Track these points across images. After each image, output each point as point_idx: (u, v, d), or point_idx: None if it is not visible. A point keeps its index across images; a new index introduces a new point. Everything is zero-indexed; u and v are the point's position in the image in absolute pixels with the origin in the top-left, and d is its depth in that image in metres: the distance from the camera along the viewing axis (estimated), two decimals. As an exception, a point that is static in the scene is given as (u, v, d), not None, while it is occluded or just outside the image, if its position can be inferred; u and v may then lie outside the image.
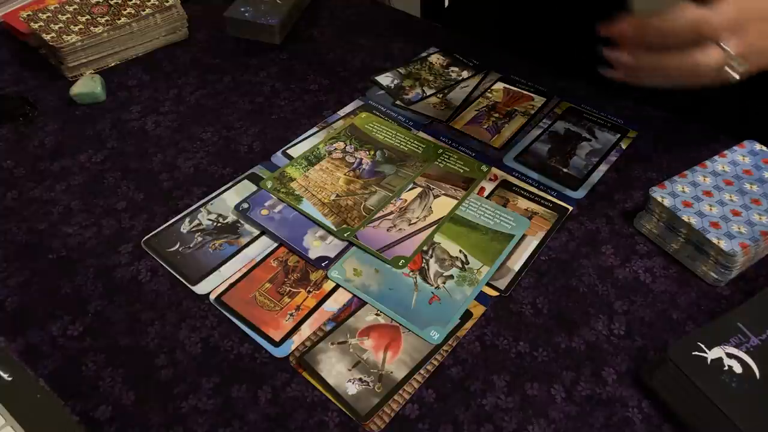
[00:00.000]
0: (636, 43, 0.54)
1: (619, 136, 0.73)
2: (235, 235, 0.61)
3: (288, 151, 0.71)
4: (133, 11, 0.82)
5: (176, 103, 0.78)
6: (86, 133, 0.73)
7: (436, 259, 0.59)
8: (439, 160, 0.69)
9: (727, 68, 0.52)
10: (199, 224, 0.63)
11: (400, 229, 0.61)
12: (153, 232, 0.62)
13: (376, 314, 0.55)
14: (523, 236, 0.61)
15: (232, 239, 0.61)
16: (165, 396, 0.49)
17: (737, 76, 0.53)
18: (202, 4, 0.93)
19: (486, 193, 0.66)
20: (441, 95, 0.79)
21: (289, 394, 0.50)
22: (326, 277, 0.58)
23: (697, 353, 0.47)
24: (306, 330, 0.54)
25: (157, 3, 0.84)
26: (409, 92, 0.79)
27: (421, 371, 0.51)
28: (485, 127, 0.74)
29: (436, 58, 0.85)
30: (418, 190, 0.66)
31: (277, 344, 0.53)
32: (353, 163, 0.69)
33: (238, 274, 0.58)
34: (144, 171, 0.69)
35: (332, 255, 0.59)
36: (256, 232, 0.62)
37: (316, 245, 0.60)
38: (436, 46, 0.87)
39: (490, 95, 0.79)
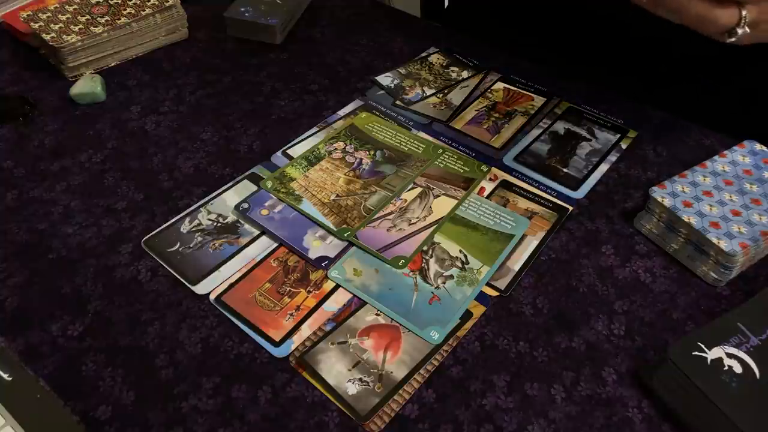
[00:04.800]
0: None
1: (619, 136, 0.73)
2: (235, 235, 0.61)
3: (288, 151, 0.71)
4: (133, 11, 0.82)
5: (176, 103, 0.78)
6: (86, 133, 0.73)
7: (436, 259, 0.59)
8: (439, 160, 0.69)
9: (735, 31, 0.54)
10: (199, 224, 0.63)
11: (400, 229, 0.61)
12: (153, 232, 0.62)
13: (376, 314, 0.55)
14: (523, 236, 0.61)
15: (232, 239, 0.61)
16: (165, 396, 0.49)
17: (736, 40, 0.54)
18: (202, 4, 0.93)
19: (486, 193, 0.66)
20: (441, 95, 0.79)
21: (289, 394, 0.50)
22: (326, 277, 0.58)
23: (697, 353, 0.47)
24: (306, 330, 0.54)
25: (157, 3, 0.84)
26: (409, 92, 0.79)
27: (421, 371, 0.51)
28: (485, 127, 0.74)
29: (436, 58, 0.85)
30: (418, 190, 0.66)
31: (277, 344, 0.53)
32: (353, 163, 0.69)
33: (238, 274, 0.58)
34: (144, 171, 0.69)
35: (332, 255, 0.59)
36: (256, 232, 0.62)
37: (316, 245, 0.60)
38: (436, 46, 0.87)
39: (490, 95, 0.79)
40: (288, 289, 0.57)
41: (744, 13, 0.53)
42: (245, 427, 0.48)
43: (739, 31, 0.54)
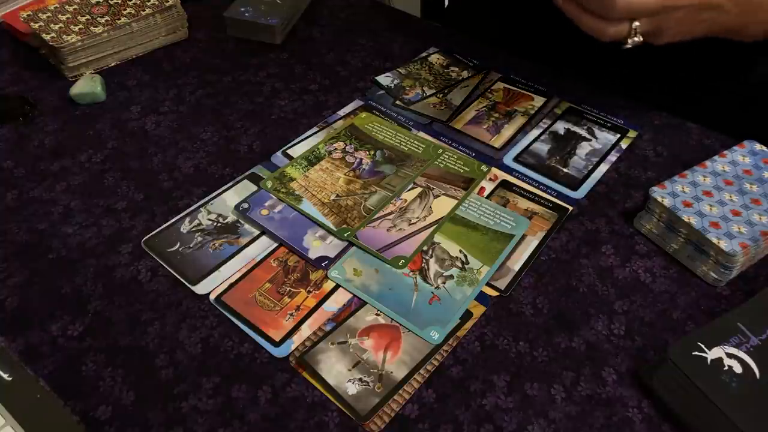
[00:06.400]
0: None
1: (619, 136, 0.73)
2: (235, 235, 0.61)
3: (288, 151, 0.71)
4: (133, 11, 0.82)
5: (176, 103, 0.78)
6: (86, 133, 0.73)
7: (436, 259, 0.59)
8: (439, 160, 0.69)
9: (626, 41, 0.58)
10: (199, 224, 0.63)
11: (400, 229, 0.61)
12: (153, 232, 0.62)
13: (376, 314, 0.55)
14: (523, 236, 0.61)
15: (232, 239, 0.61)
16: (165, 396, 0.49)
17: (629, 46, 0.58)
18: (202, 4, 0.93)
19: (486, 193, 0.66)
20: (441, 95, 0.79)
21: (289, 394, 0.50)
22: (326, 277, 0.58)
23: (697, 353, 0.47)
24: (306, 330, 0.54)
25: (157, 3, 0.84)
26: (409, 92, 0.79)
27: (421, 371, 0.51)
28: (485, 127, 0.74)
29: (436, 58, 0.85)
30: (418, 190, 0.66)
31: (277, 344, 0.53)
32: (353, 163, 0.69)
33: (238, 274, 0.58)
34: (144, 171, 0.69)
35: (332, 255, 0.59)
36: (256, 232, 0.62)
37: (316, 245, 0.60)
38: (436, 46, 0.87)
39: (490, 95, 0.79)
40: (288, 289, 0.57)
41: (635, 24, 0.56)
42: (245, 427, 0.48)
43: (631, 41, 0.58)
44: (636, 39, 0.57)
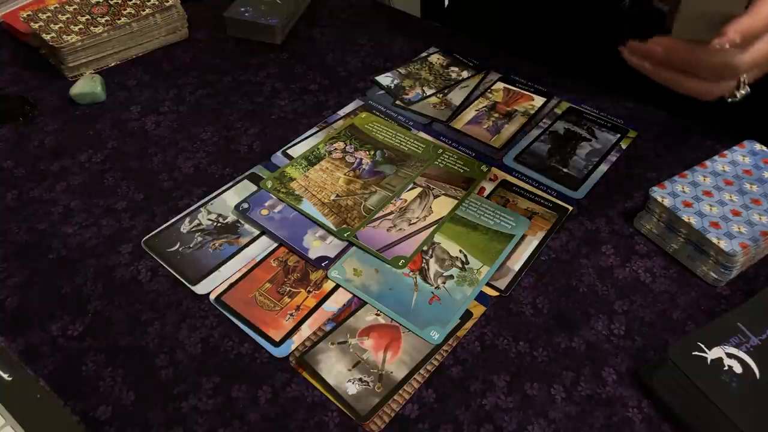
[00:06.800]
0: (661, 62, 0.54)
1: (619, 136, 0.73)
2: (235, 235, 0.61)
3: (288, 151, 0.71)
4: (133, 11, 0.82)
5: (176, 103, 0.78)
6: (86, 133, 0.73)
7: (436, 259, 0.59)
8: (439, 160, 0.69)
9: (734, 94, 0.54)
10: (199, 224, 0.63)
11: (400, 229, 0.61)
12: (153, 232, 0.62)
13: (376, 314, 0.55)
14: (523, 236, 0.61)
15: (232, 239, 0.61)
16: (165, 396, 0.49)
17: (739, 99, 0.55)
18: (202, 4, 0.93)
19: (486, 193, 0.66)
20: (441, 95, 0.79)
21: (289, 394, 0.50)
22: (326, 277, 0.58)
23: (697, 353, 0.47)
24: (306, 330, 0.54)
25: (157, 3, 0.84)
26: (409, 92, 0.79)
27: (421, 371, 0.51)
28: (485, 127, 0.74)
29: (436, 58, 0.85)
30: (418, 190, 0.66)
31: (277, 344, 0.53)
32: (353, 163, 0.69)
33: (238, 274, 0.58)
34: (144, 171, 0.69)
35: (332, 255, 0.59)
36: (256, 232, 0.62)
37: (316, 245, 0.60)
38: (436, 46, 0.87)
39: (490, 95, 0.79)
40: (288, 289, 0.57)
41: (743, 78, 0.53)
42: (245, 427, 0.48)
43: (739, 93, 0.54)
44: (744, 92, 0.54)
